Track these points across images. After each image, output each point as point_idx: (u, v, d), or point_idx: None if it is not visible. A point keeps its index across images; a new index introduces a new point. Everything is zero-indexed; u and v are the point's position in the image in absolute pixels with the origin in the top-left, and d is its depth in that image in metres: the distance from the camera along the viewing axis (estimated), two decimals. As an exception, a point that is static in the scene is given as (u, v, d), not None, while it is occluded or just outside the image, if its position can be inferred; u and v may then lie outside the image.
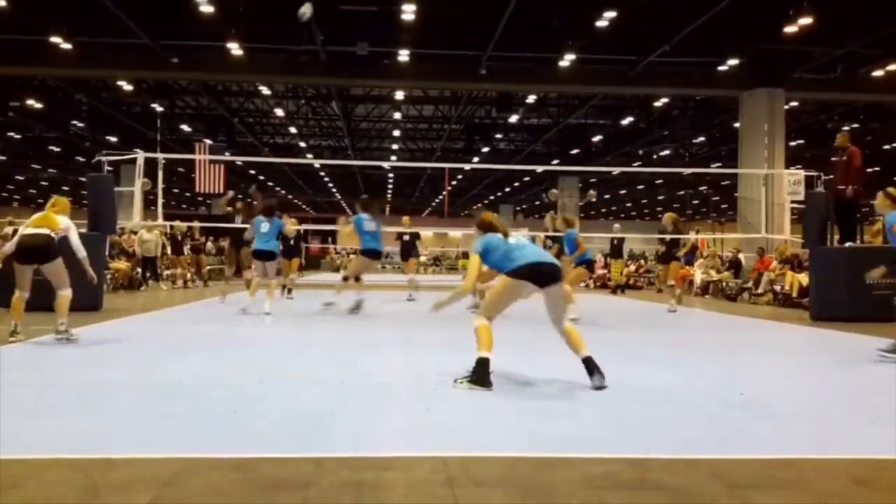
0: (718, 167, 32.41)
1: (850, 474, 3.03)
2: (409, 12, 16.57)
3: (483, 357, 4.66)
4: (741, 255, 17.78)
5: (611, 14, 16.33)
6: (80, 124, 29.97)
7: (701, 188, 46.69)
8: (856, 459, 3.27)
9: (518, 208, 56.93)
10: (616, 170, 35.44)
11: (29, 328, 6.89)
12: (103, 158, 11.56)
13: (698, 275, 17.99)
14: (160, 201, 15.83)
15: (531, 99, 25.64)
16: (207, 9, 16.23)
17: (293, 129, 32.65)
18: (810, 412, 4.39)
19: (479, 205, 57.75)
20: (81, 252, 6.87)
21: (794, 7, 15.78)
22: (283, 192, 50.17)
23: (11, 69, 20.94)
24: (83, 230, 10.06)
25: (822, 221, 11.38)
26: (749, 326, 10.36)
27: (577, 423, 3.88)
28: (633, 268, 22.90)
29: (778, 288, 14.35)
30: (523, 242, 5.03)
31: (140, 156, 14.36)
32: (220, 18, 17.07)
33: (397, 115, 29.52)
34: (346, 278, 10.58)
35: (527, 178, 43.61)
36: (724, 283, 16.90)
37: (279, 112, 29.06)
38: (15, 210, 47.70)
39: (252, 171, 39.14)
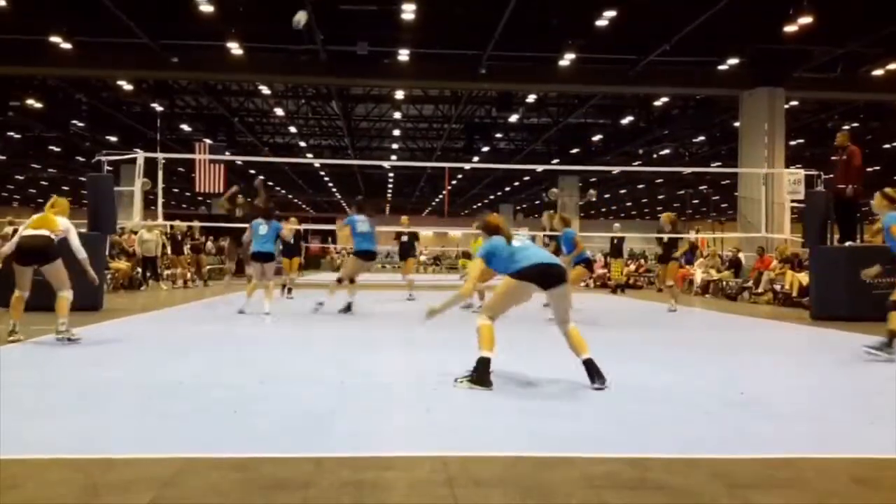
0: (718, 166, 32.40)
1: (851, 474, 3.03)
2: (408, 12, 16.57)
3: (484, 357, 4.66)
4: (741, 255, 17.79)
5: (611, 13, 16.33)
6: (80, 124, 29.98)
7: (701, 187, 46.70)
8: (856, 459, 3.27)
9: (518, 208, 56.95)
10: (616, 169, 35.44)
11: (29, 328, 6.90)
12: (103, 158, 11.57)
13: (698, 274, 17.99)
14: (160, 201, 15.84)
15: (531, 98, 25.64)
16: (207, 9, 16.23)
17: (293, 129, 32.66)
18: (810, 411, 4.39)
19: (479, 204, 57.77)
20: (81, 253, 6.87)
21: (794, 6, 15.78)
22: (283, 191, 50.19)
23: (11, 69, 20.95)
24: (83, 230, 10.07)
25: (823, 221, 11.38)
26: (749, 326, 10.36)
27: (577, 423, 3.88)
28: (633, 267, 22.90)
29: (778, 287, 14.35)
30: (527, 244, 5.01)
31: (140, 155, 14.37)
32: (219, 18, 17.07)
33: (397, 115, 29.53)
34: (339, 280, 10.57)
35: (527, 178, 43.62)
36: (724, 283, 16.90)
37: (279, 112, 29.07)
38: (15, 210, 47.74)
39: (252, 171, 39.11)
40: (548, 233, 11.22)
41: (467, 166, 34.76)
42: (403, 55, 20.04)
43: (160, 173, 14.93)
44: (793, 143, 27.60)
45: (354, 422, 3.83)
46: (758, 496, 2.73)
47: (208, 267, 20.59)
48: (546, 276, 4.77)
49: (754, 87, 20.43)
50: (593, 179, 40.33)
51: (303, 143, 35.93)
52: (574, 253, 9.91)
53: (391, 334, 8.19)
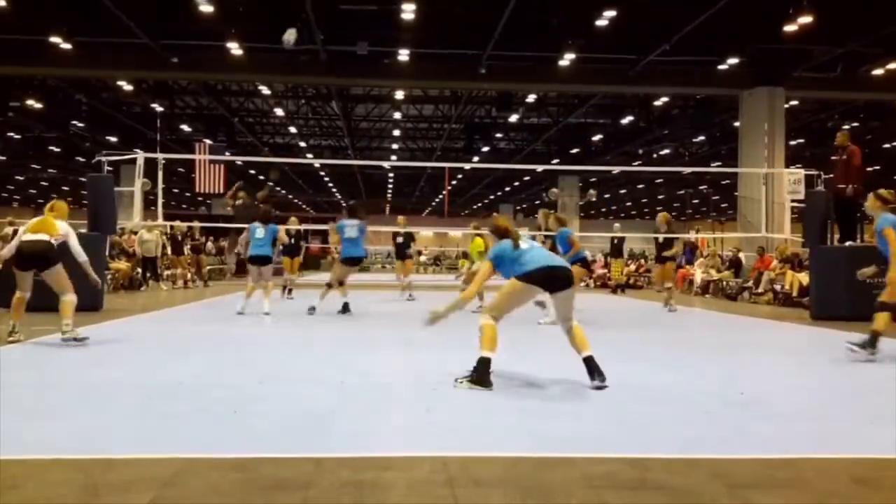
0: (718, 166, 32.41)
1: (851, 473, 3.03)
2: (408, 12, 16.57)
3: (485, 357, 4.66)
4: (741, 255, 17.78)
5: (611, 13, 16.33)
6: (80, 124, 29.98)
7: (701, 187, 46.72)
8: (856, 459, 3.27)
9: (518, 208, 56.94)
10: (616, 169, 35.46)
11: (29, 328, 6.90)
12: (103, 158, 11.57)
13: (698, 274, 17.98)
14: (160, 201, 15.83)
15: (531, 98, 25.64)
16: (207, 9, 16.23)
17: (293, 129, 32.66)
18: (810, 411, 4.39)
19: (479, 205, 57.79)
20: (82, 256, 6.86)
21: (794, 6, 15.78)
22: (283, 191, 50.19)
23: (11, 69, 20.95)
24: (83, 230, 10.08)
25: (823, 220, 11.38)
26: (749, 326, 10.36)
27: (577, 423, 3.88)
28: (633, 267, 22.89)
29: (778, 287, 14.35)
30: (532, 245, 5.00)
31: (140, 156, 14.37)
32: (219, 18, 17.07)
33: (397, 115, 29.53)
34: (329, 285, 10.56)
35: (527, 178, 43.62)
36: (724, 283, 16.90)
37: (279, 112, 29.07)
38: (15, 210, 47.73)
39: (252, 171, 39.14)
40: (543, 232, 11.19)
41: (467, 166, 34.77)
42: (403, 55, 20.05)
43: (160, 174, 14.93)
44: (793, 142, 27.61)
45: (354, 422, 3.83)
46: (758, 496, 2.73)
47: (208, 267, 20.60)
48: (552, 280, 4.77)
49: (754, 86, 20.43)
50: (593, 179, 40.33)
51: (303, 144, 35.94)
52: (571, 252, 9.91)
53: (391, 334, 8.19)
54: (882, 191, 6.69)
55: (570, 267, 5.01)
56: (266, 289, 10.15)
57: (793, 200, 16.30)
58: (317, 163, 35.99)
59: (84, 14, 17.28)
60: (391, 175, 45.04)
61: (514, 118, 28.29)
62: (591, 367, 4.73)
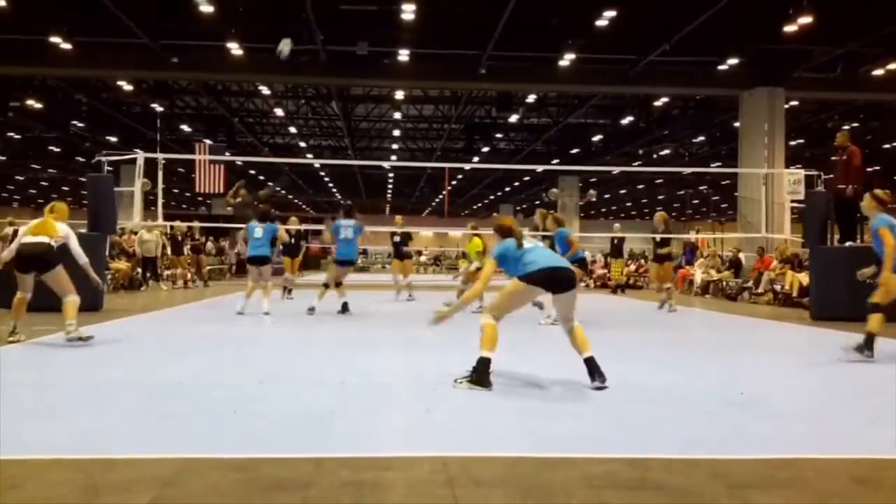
0: (718, 167, 32.42)
1: (851, 474, 3.03)
2: (408, 12, 16.57)
3: (485, 357, 4.66)
4: (741, 255, 17.78)
5: (611, 13, 16.33)
6: (80, 124, 29.98)
7: (701, 188, 46.71)
8: (856, 459, 3.27)
9: (518, 208, 56.93)
10: (616, 169, 35.45)
11: (30, 328, 6.91)
12: (103, 158, 11.57)
13: (698, 274, 17.99)
14: (160, 201, 15.84)
15: (531, 98, 25.64)
16: (207, 9, 16.23)
17: (293, 129, 32.65)
18: (810, 411, 4.39)
19: (479, 205, 57.82)
20: (83, 258, 6.85)
21: (794, 6, 15.78)
22: (283, 192, 50.20)
23: (11, 69, 20.94)
24: (83, 230, 10.08)
25: (823, 221, 11.38)
26: (749, 326, 10.36)
27: (577, 423, 3.88)
28: (633, 267, 22.90)
29: (778, 287, 14.35)
30: (538, 246, 4.99)
31: (140, 156, 14.38)
32: (219, 18, 17.07)
33: (397, 115, 29.53)
34: (325, 285, 10.56)
35: (527, 178, 43.62)
36: (724, 283, 16.90)
37: (279, 112, 29.07)
38: (15, 210, 47.71)
39: (252, 171, 39.14)
40: (541, 233, 11.18)
41: (467, 166, 34.77)
42: (403, 55, 20.05)
43: (160, 174, 14.93)
44: (793, 143, 27.60)
45: (354, 422, 3.83)
46: (758, 496, 2.73)
47: (208, 267, 20.60)
48: (555, 281, 4.76)
49: (754, 87, 20.43)
50: (593, 180, 40.32)
51: (303, 144, 35.94)
52: (569, 253, 9.91)
53: (391, 334, 8.20)
54: (878, 191, 6.70)
55: (572, 267, 4.99)
56: (266, 289, 10.14)
57: (793, 201, 16.31)
58: (317, 163, 35.99)
59: (84, 14, 17.28)
60: (391, 175, 45.04)
61: (514, 118, 28.29)
62: (592, 367, 4.73)
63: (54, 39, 18.34)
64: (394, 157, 37.61)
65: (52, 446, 3.22)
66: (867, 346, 6.17)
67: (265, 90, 26.32)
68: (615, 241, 19.85)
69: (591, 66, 20.66)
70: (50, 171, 42.61)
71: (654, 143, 32.44)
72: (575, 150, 32.16)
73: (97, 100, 26.60)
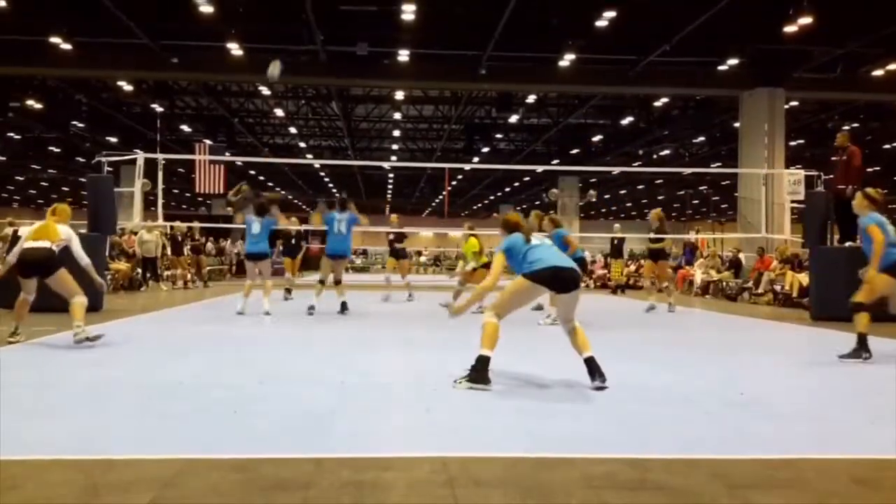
0: (718, 167, 32.43)
1: (851, 474, 3.03)
2: (408, 12, 16.57)
3: (484, 355, 4.66)
4: (741, 255, 17.78)
5: (611, 14, 16.34)
6: (80, 125, 29.98)
7: (701, 188, 46.71)
8: (856, 459, 3.27)
9: (518, 208, 56.89)
10: (616, 169, 35.46)
11: (30, 328, 6.91)
12: (103, 159, 11.57)
13: (698, 275, 17.99)
14: (160, 202, 15.83)
15: (531, 99, 25.65)
16: (207, 9, 16.23)
17: (293, 130, 32.66)
18: (810, 412, 4.39)
19: (479, 205, 57.82)
20: (84, 260, 6.83)
21: (794, 7, 15.78)
22: (283, 192, 50.21)
23: (11, 69, 20.95)
24: (83, 231, 10.08)
25: (822, 221, 11.38)
26: (749, 326, 10.36)
27: (577, 423, 3.88)
28: (633, 268, 22.89)
29: (778, 288, 14.35)
30: (544, 244, 4.98)
31: (140, 156, 14.37)
32: (220, 18, 17.08)
33: (397, 115, 29.53)
34: (321, 282, 10.54)
35: (527, 178, 43.63)
36: (724, 283, 16.90)
37: (279, 112, 29.07)
38: (15, 211, 47.77)
39: (252, 172, 39.14)
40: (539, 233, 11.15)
41: (467, 167, 34.78)
42: (403, 55, 20.05)
43: (160, 174, 14.93)
44: (793, 143, 27.61)
45: (354, 422, 3.83)
46: (758, 496, 2.73)
47: (208, 268, 20.60)
48: (559, 280, 4.76)
49: (754, 87, 20.43)
50: (593, 180, 40.33)
51: (303, 144, 35.95)
52: (568, 252, 9.90)
53: (391, 334, 8.19)
54: (870, 190, 6.70)
55: (576, 267, 4.97)
56: (266, 288, 10.11)
57: (793, 201, 16.31)
58: (317, 163, 35.99)
59: (84, 14, 17.28)
60: (391, 176, 45.05)
61: (514, 119, 28.30)
62: (592, 367, 4.73)
63: (54, 40, 18.34)
64: (394, 158, 37.62)
65: (52, 446, 3.22)
66: (862, 348, 6.18)
67: (265, 90, 26.31)
68: (615, 242, 19.85)
69: (591, 66, 20.66)
70: (50, 171, 42.62)
71: (654, 143, 32.45)
72: (575, 151, 32.17)
73: (97, 100, 26.61)
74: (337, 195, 11.08)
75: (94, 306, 9.64)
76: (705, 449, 3.38)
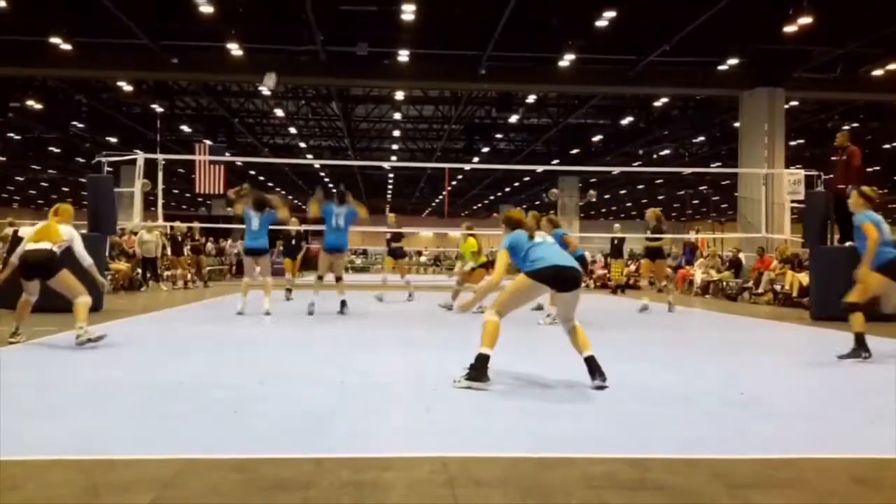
0: (718, 167, 32.43)
1: (851, 473, 3.03)
2: (408, 12, 16.57)
3: (484, 353, 4.66)
4: (741, 255, 17.78)
5: (610, 14, 16.34)
6: (80, 125, 29.99)
7: (701, 188, 46.72)
8: (856, 459, 3.28)
9: (518, 208, 56.94)
10: (616, 169, 35.46)
11: (30, 329, 6.91)
12: (103, 159, 11.57)
13: (698, 274, 17.98)
14: (160, 202, 15.84)
15: (531, 99, 25.64)
16: (207, 9, 16.23)
17: (293, 130, 32.66)
18: (810, 411, 4.39)
19: (479, 205, 57.81)
20: (87, 260, 6.81)
21: (794, 6, 15.79)
22: (283, 192, 50.21)
23: (11, 69, 20.95)
24: (83, 231, 10.07)
25: (823, 221, 11.38)
26: (749, 326, 10.36)
27: (577, 423, 3.88)
28: (633, 267, 22.88)
29: (778, 287, 14.35)
30: (547, 242, 4.98)
31: (140, 156, 14.38)
32: (219, 18, 17.07)
33: (397, 116, 29.54)
34: (320, 277, 10.53)
35: (527, 178, 43.63)
36: (724, 283, 16.90)
37: (279, 112, 29.07)
38: (15, 211, 47.80)
39: (252, 172, 39.14)
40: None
41: (467, 167, 34.78)
42: (403, 56, 20.05)
43: (160, 174, 14.93)
44: (793, 143, 27.61)
45: (354, 422, 3.83)
46: (758, 496, 2.73)
47: (208, 268, 20.60)
48: (561, 279, 4.76)
49: (754, 87, 20.43)
50: (593, 180, 40.34)
51: (303, 144, 35.96)
52: (568, 252, 9.89)
53: (391, 334, 8.19)
54: (865, 188, 6.71)
55: (578, 267, 4.97)
56: (266, 286, 10.09)
57: (793, 201, 16.32)
58: (317, 164, 35.99)
59: (84, 14, 17.28)
60: (391, 176, 45.04)
61: (514, 119, 28.30)
62: (593, 367, 4.73)
63: (54, 40, 18.34)
64: (394, 158, 37.62)
65: (52, 446, 3.22)
66: (860, 347, 6.17)
67: (265, 91, 26.30)
68: (615, 242, 19.85)
69: (591, 66, 20.66)
70: (50, 171, 42.63)
71: (654, 143, 32.45)
72: (575, 151, 32.17)
73: (97, 100, 26.61)
74: (336, 190, 10.88)
75: (95, 306, 9.61)
76: (705, 449, 3.38)
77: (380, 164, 35.34)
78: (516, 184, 46.42)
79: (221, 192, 27.68)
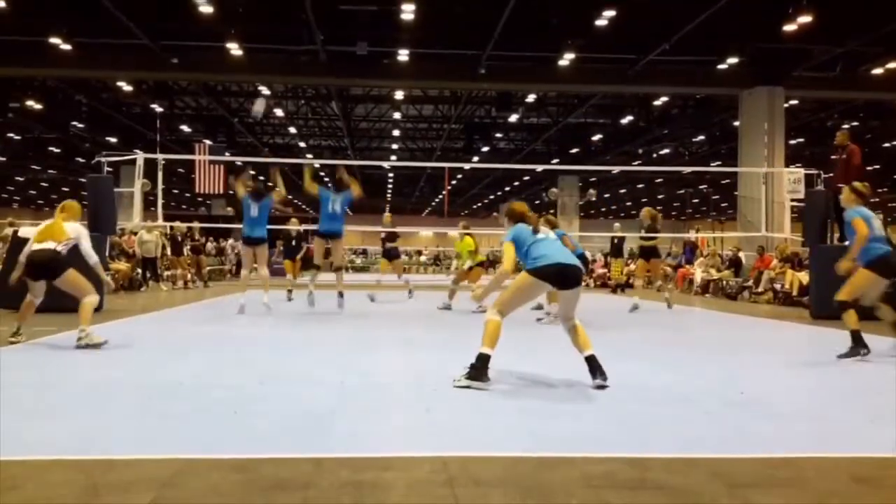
0: (718, 166, 32.41)
1: (851, 473, 3.03)
2: (408, 12, 16.57)
3: (485, 353, 4.65)
4: (741, 254, 17.79)
5: (610, 13, 16.34)
6: (80, 125, 29.99)
7: (701, 187, 46.71)
8: (856, 458, 3.27)
9: (523, 201, 56.89)
10: (616, 169, 35.48)
11: (31, 329, 6.91)
12: (103, 159, 11.58)
13: (698, 274, 17.99)
14: (160, 202, 15.85)
15: (531, 98, 25.65)
16: (207, 9, 16.23)
17: (293, 130, 32.66)
18: (810, 411, 4.39)
19: (479, 205, 57.79)
20: (93, 258, 6.75)
21: (794, 5, 15.80)
22: (289, 197, 50.20)
23: (11, 70, 20.96)
24: (83, 231, 10.06)
25: (822, 220, 11.38)
26: (749, 325, 10.36)
27: (577, 423, 3.88)
28: (633, 267, 22.86)
29: (778, 286, 14.35)
30: (549, 238, 4.96)
31: (140, 156, 14.38)
32: (219, 18, 17.08)
33: (397, 115, 29.54)
34: (317, 266, 10.52)
35: (527, 178, 43.63)
36: (724, 282, 16.90)
37: (279, 112, 29.07)
38: (15, 211, 47.78)
39: (252, 172, 39.09)
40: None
41: (467, 166, 34.78)
42: (403, 55, 20.05)
43: (160, 174, 14.94)
44: (792, 142, 27.62)
45: (354, 422, 3.82)
46: (758, 496, 2.73)
47: (208, 268, 20.60)
48: (563, 277, 4.75)
49: (754, 86, 20.43)
50: (593, 179, 40.35)
51: (302, 144, 35.96)
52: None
53: (391, 334, 8.19)
54: (857, 184, 6.71)
55: (580, 265, 4.96)
56: (263, 280, 10.06)
57: (793, 200, 16.31)
58: (317, 163, 35.97)
59: (84, 14, 17.29)
60: (391, 175, 45.03)
61: (513, 118, 28.30)
62: (593, 366, 4.72)
63: (54, 40, 18.34)
64: (394, 157, 37.62)
65: (52, 446, 3.22)
66: (858, 345, 6.17)
67: (265, 91, 26.32)
68: (615, 241, 19.81)
69: (590, 65, 20.66)
70: (50, 171, 42.64)
71: (653, 142, 32.46)
72: (575, 150, 32.17)
73: (97, 100, 26.61)
74: (336, 176, 10.72)
75: (97, 306, 9.66)
76: (705, 448, 3.38)
77: (380, 164, 35.34)
78: (516, 183, 46.42)
79: (221, 191, 27.70)
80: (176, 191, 43.53)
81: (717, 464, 3.11)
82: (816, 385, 5.39)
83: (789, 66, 19.96)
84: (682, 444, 3.45)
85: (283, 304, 11.90)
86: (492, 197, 53.27)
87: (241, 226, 10.64)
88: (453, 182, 43.08)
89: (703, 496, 2.71)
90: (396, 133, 33.10)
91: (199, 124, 29.72)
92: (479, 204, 57.62)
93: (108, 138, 30.63)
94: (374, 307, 11.92)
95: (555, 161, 32.78)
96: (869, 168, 20.45)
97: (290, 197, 13.30)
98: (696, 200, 53.77)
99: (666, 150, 34.45)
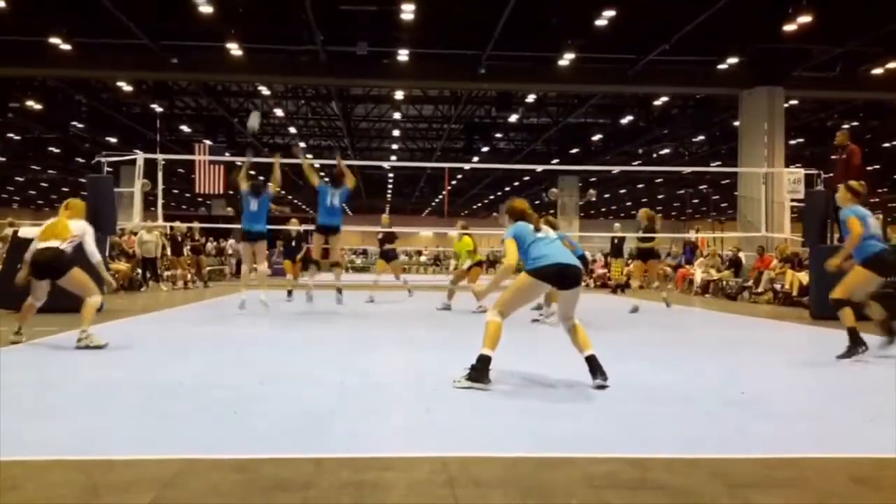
0: (718, 166, 32.43)
1: (850, 473, 3.03)
2: (408, 12, 16.58)
3: (486, 354, 4.65)
4: (741, 254, 17.79)
5: (610, 13, 16.35)
6: (80, 125, 30.00)
7: (701, 187, 46.73)
8: (856, 458, 3.27)
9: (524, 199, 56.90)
10: (616, 169, 35.50)
11: (32, 329, 6.91)
12: (103, 159, 11.58)
13: (698, 274, 17.98)
14: (160, 202, 15.85)
15: (531, 98, 25.67)
16: (207, 9, 16.24)
17: (293, 130, 32.65)
18: (810, 411, 4.39)
19: (479, 205, 57.80)
20: (96, 257, 6.74)
21: (794, 5, 15.81)
22: (282, 192, 50.19)
23: (11, 70, 20.97)
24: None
25: (822, 220, 11.38)
26: (749, 325, 10.36)
27: (577, 423, 3.88)
28: (631, 267, 22.87)
29: (778, 287, 14.35)
30: (551, 238, 4.96)
31: (140, 156, 14.38)
32: (219, 19, 17.09)
33: (397, 115, 29.55)
34: (316, 263, 10.51)
35: (527, 178, 43.65)
36: (724, 282, 16.90)
37: (279, 112, 29.07)
38: (15, 211, 47.80)
39: (252, 172, 39.12)
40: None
41: (467, 166, 34.80)
42: (403, 55, 20.06)
43: (160, 174, 14.94)
44: (792, 142, 27.62)
45: (354, 422, 3.82)
46: (758, 496, 2.73)
47: (208, 268, 20.60)
48: (563, 277, 4.74)
49: (754, 86, 20.45)
50: (593, 179, 40.36)
51: (302, 144, 35.94)
52: None
53: (390, 334, 8.19)
54: (853, 182, 6.71)
55: (580, 265, 4.96)
56: (260, 276, 10.05)
57: (793, 200, 16.33)
58: (317, 163, 35.97)
59: (84, 14, 17.29)
60: (391, 175, 45.04)
61: (513, 118, 28.31)
62: (594, 366, 4.72)
63: (54, 40, 18.35)
64: (394, 157, 37.63)
65: (52, 447, 3.22)
66: (856, 343, 6.17)
67: (265, 91, 26.33)
68: (615, 241, 19.81)
69: (590, 65, 20.67)
70: (50, 172, 42.63)
71: (653, 142, 32.47)
72: (575, 150, 32.19)
73: (97, 101, 26.62)
74: (335, 170, 10.69)
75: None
76: (705, 448, 3.38)
77: (380, 164, 35.36)
78: (516, 183, 46.43)
79: (221, 191, 27.69)
80: (176, 191, 43.55)
81: (717, 464, 3.11)
82: (816, 385, 5.39)
83: (789, 67, 19.97)
84: (682, 443, 3.45)
85: (283, 304, 11.90)
86: (492, 197, 53.28)
87: (240, 226, 10.63)
88: (453, 182, 43.10)
89: (704, 496, 2.71)
90: (396, 133, 33.10)
91: (199, 124, 29.74)
92: (479, 204, 57.64)
93: (108, 138, 30.64)
94: (374, 307, 11.93)
95: (555, 161, 32.80)
96: (869, 168, 20.49)
97: (282, 191, 13.25)
98: (696, 200, 53.79)
99: (666, 150, 34.46)
